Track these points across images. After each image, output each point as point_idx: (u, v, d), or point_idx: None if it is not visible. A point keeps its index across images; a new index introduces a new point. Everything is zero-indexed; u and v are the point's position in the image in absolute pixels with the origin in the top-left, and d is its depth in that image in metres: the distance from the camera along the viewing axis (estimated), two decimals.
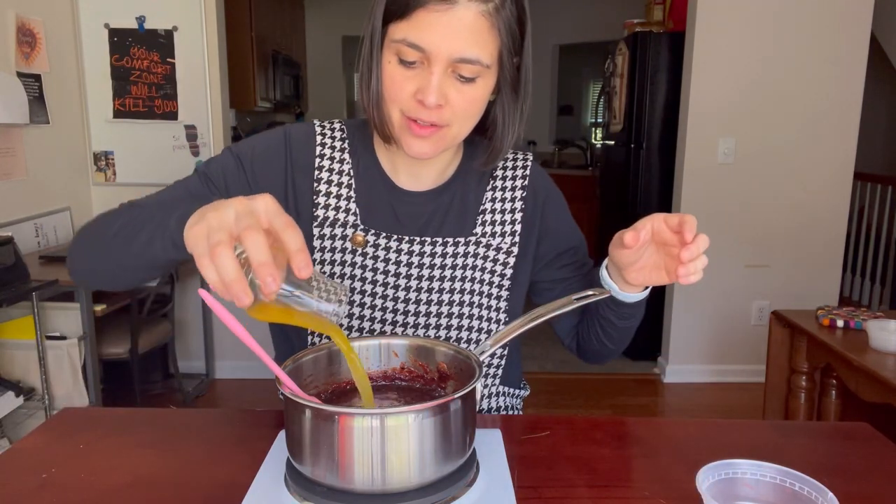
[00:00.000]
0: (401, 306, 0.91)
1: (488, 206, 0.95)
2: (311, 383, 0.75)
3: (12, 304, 2.14)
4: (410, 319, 0.91)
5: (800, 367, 2.11)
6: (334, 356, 0.78)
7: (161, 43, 3.06)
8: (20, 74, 2.61)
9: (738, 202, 3.27)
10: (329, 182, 0.91)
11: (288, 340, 0.95)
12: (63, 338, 2.29)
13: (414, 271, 0.91)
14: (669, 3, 3.56)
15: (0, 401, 2.09)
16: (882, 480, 0.74)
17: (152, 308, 2.71)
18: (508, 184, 0.97)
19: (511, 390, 1.03)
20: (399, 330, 0.91)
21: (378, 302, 0.90)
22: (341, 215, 0.90)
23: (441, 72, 0.77)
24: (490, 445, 0.77)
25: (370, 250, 0.90)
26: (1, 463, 0.74)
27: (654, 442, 0.83)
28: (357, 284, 0.90)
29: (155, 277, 0.84)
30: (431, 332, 0.92)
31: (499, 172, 0.98)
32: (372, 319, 0.91)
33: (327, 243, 0.89)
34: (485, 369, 0.96)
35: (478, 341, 0.94)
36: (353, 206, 0.90)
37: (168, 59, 3.08)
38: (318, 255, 0.90)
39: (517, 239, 0.96)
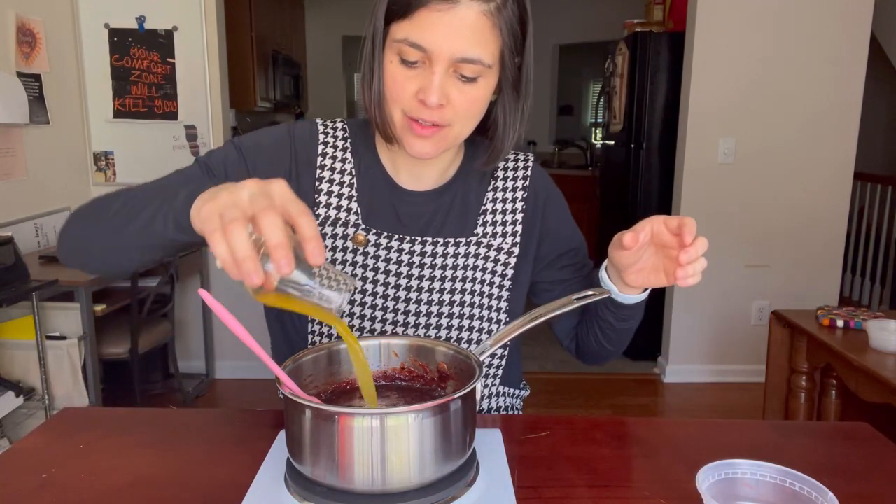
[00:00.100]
0: (401, 306, 0.91)
1: (489, 206, 0.96)
2: (311, 383, 0.75)
3: (12, 304, 2.14)
4: (411, 319, 0.91)
5: (800, 367, 2.11)
6: (334, 356, 0.78)
7: (161, 43, 3.06)
8: (20, 74, 2.61)
9: (738, 202, 3.27)
10: (331, 181, 0.91)
11: (288, 341, 0.95)
12: (63, 338, 2.29)
13: (415, 271, 0.91)
14: (669, 3, 3.56)
15: (0, 401, 2.09)
16: (882, 480, 0.74)
17: (152, 308, 2.71)
18: (509, 184, 0.97)
19: (511, 390, 1.03)
20: (399, 330, 0.91)
21: (379, 302, 0.90)
22: (342, 214, 0.90)
23: (443, 71, 0.77)
24: (490, 445, 0.77)
25: (371, 250, 0.90)
26: (1, 463, 0.74)
27: (654, 442, 0.83)
28: (357, 284, 0.90)
29: (150, 261, 0.81)
30: (432, 332, 0.92)
31: (500, 173, 0.98)
32: (372, 319, 0.91)
33: (328, 242, 0.89)
34: (485, 369, 0.96)
35: (478, 341, 0.94)
36: (354, 205, 0.90)
37: (168, 59, 3.08)
38: None
39: (518, 239, 0.96)
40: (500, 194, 0.96)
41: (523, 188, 0.97)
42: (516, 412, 1.05)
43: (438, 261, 0.92)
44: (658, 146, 3.50)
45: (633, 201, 3.60)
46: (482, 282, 0.93)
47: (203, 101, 3.11)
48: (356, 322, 0.90)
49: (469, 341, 0.93)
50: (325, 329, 0.90)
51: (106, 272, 0.87)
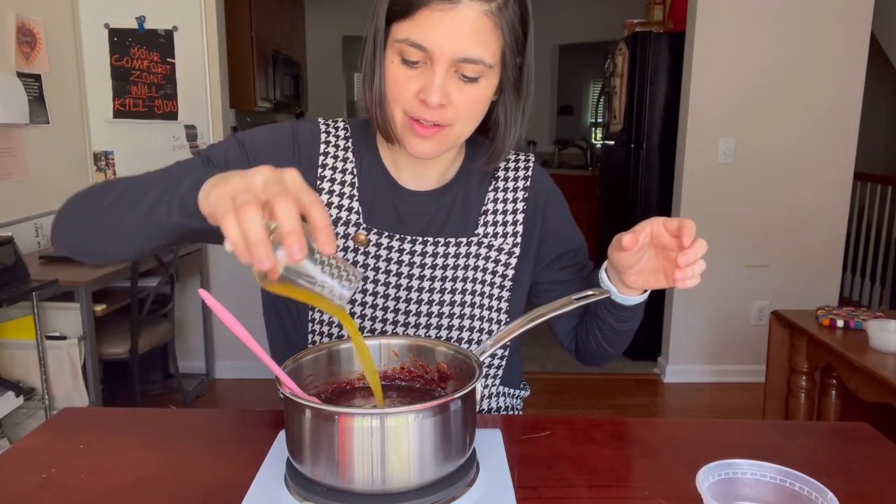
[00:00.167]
0: (402, 306, 0.91)
1: (490, 206, 0.96)
2: (311, 383, 0.75)
3: (12, 304, 2.14)
4: (412, 319, 0.91)
5: (800, 367, 2.11)
6: (334, 356, 0.78)
7: (161, 43, 3.06)
8: (20, 74, 2.61)
9: (738, 202, 3.27)
10: (332, 180, 0.91)
11: (288, 341, 0.95)
12: (63, 338, 2.29)
13: (416, 271, 0.91)
14: (669, 3, 3.56)
15: (0, 401, 2.09)
16: (882, 480, 0.74)
17: (152, 308, 2.71)
18: (510, 184, 0.97)
19: (511, 391, 1.03)
20: (400, 330, 0.91)
21: (379, 301, 0.90)
22: (343, 214, 0.90)
23: (444, 71, 0.77)
24: (490, 445, 0.77)
25: (372, 249, 0.90)
26: (1, 463, 0.74)
27: (654, 442, 0.83)
28: (363, 277, 0.90)
29: (149, 249, 0.78)
30: (432, 333, 0.92)
31: (500, 173, 0.98)
32: (373, 319, 0.91)
33: None
34: (485, 370, 0.96)
35: (479, 341, 0.94)
36: (355, 204, 0.90)
37: (168, 59, 3.08)
38: None
39: (519, 240, 0.96)
40: (500, 195, 0.96)
41: (524, 188, 0.97)
42: (516, 412, 1.05)
43: (439, 261, 0.92)
44: (658, 146, 3.50)
45: (633, 201, 3.60)
46: (483, 282, 0.93)
47: (203, 101, 3.11)
48: (357, 322, 0.90)
49: (470, 341, 0.93)
50: (325, 329, 0.90)
51: (102, 260, 0.84)
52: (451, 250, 0.92)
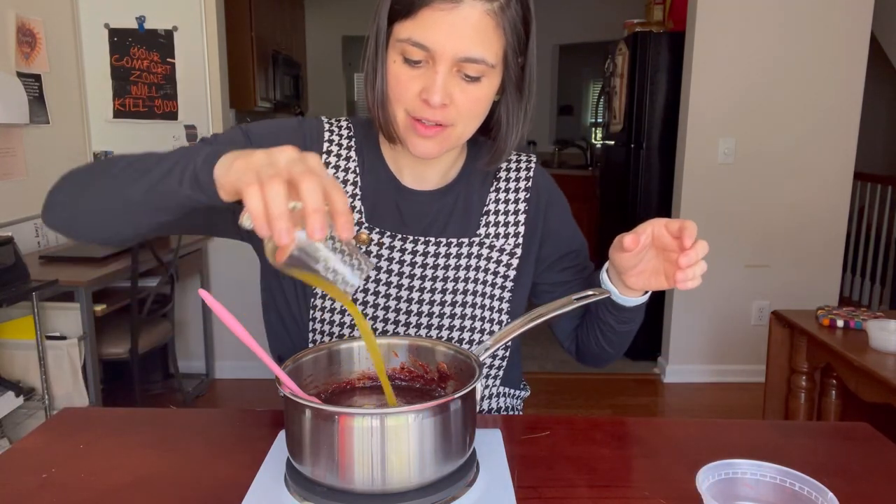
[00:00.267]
0: (403, 306, 0.91)
1: (492, 207, 0.96)
2: (311, 383, 0.75)
3: (12, 304, 2.14)
4: (413, 319, 0.91)
5: (800, 367, 2.11)
6: (334, 356, 0.78)
7: (161, 43, 3.06)
8: (20, 74, 2.61)
9: (738, 202, 3.27)
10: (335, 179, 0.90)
11: (288, 341, 0.95)
12: (63, 338, 2.29)
13: (417, 271, 0.91)
14: (669, 3, 3.56)
15: (0, 401, 2.09)
16: (882, 480, 0.74)
17: (152, 308, 2.71)
18: (512, 185, 0.97)
19: (511, 391, 1.03)
20: (401, 329, 0.91)
21: (380, 301, 0.90)
22: None
23: (446, 71, 0.77)
24: (490, 445, 0.77)
25: (374, 249, 0.90)
26: (1, 463, 0.74)
27: (654, 442, 0.83)
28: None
29: (149, 226, 0.76)
30: (433, 333, 0.92)
31: (502, 174, 0.98)
32: (374, 318, 0.91)
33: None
34: (486, 370, 0.96)
35: (479, 342, 0.94)
36: (358, 204, 0.90)
37: (168, 59, 3.08)
38: None
39: (520, 240, 0.96)
40: (502, 195, 0.96)
41: (526, 189, 0.97)
42: (516, 412, 1.05)
43: (441, 261, 0.92)
44: (658, 146, 3.50)
45: (633, 201, 3.60)
46: (484, 282, 0.93)
47: (203, 101, 3.11)
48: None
49: (471, 342, 0.93)
50: (326, 328, 0.90)
51: (95, 237, 0.80)
52: (453, 250, 0.92)
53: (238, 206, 0.64)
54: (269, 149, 0.60)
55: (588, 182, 5.15)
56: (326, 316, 0.90)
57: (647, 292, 0.87)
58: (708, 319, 3.38)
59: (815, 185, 3.26)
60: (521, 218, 0.96)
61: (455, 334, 0.93)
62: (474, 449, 0.71)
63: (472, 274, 0.93)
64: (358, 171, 0.92)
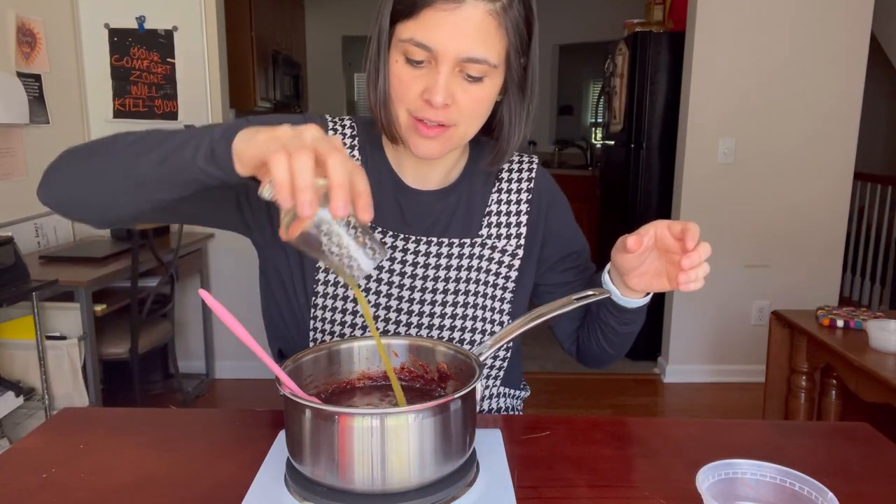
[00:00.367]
0: (404, 306, 0.91)
1: (494, 207, 0.96)
2: (311, 383, 0.75)
3: (12, 304, 2.14)
4: (414, 319, 0.91)
5: (800, 367, 2.11)
6: (334, 356, 0.78)
7: (161, 43, 3.06)
8: (20, 74, 2.61)
9: (738, 202, 3.27)
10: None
11: (289, 336, 0.94)
12: (63, 338, 2.29)
13: (419, 271, 0.91)
14: (669, 3, 3.56)
15: (0, 401, 2.09)
16: (882, 480, 0.74)
17: (152, 308, 2.71)
18: (514, 186, 0.97)
19: (511, 391, 1.03)
20: (402, 329, 0.91)
21: (382, 300, 0.90)
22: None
23: (448, 71, 0.77)
24: (490, 445, 0.77)
25: None
26: (1, 463, 0.74)
27: (654, 442, 0.83)
28: (361, 283, 0.90)
29: (157, 202, 0.73)
30: (434, 333, 0.92)
31: (504, 175, 0.98)
32: (375, 318, 0.90)
33: None
34: (487, 371, 0.96)
35: (480, 342, 0.94)
36: None
37: (168, 59, 3.08)
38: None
39: (522, 241, 0.96)
40: (504, 196, 0.96)
41: (528, 190, 0.97)
42: (516, 413, 1.05)
43: (443, 261, 0.92)
44: (658, 146, 3.50)
45: (633, 201, 3.60)
46: (485, 283, 0.93)
47: (203, 101, 3.11)
48: (359, 321, 0.90)
49: (472, 342, 0.93)
50: (327, 326, 0.90)
51: (93, 216, 0.78)
52: (455, 251, 0.92)
53: (253, 182, 0.64)
54: (291, 126, 0.60)
55: (588, 182, 5.15)
56: (328, 314, 0.89)
57: (648, 294, 0.87)
58: (708, 319, 3.38)
59: (815, 185, 3.26)
60: (523, 219, 0.96)
61: (456, 335, 0.93)
62: (474, 449, 0.71)
63: (473, 275, 0.93)
64: None
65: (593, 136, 6.40)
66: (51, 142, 2.81)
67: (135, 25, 3.05)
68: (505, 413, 1.02)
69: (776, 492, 0.63)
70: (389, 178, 0.92)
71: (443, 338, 0.92)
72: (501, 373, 0.99)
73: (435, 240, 0.92)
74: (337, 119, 0.95)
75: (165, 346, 3.06)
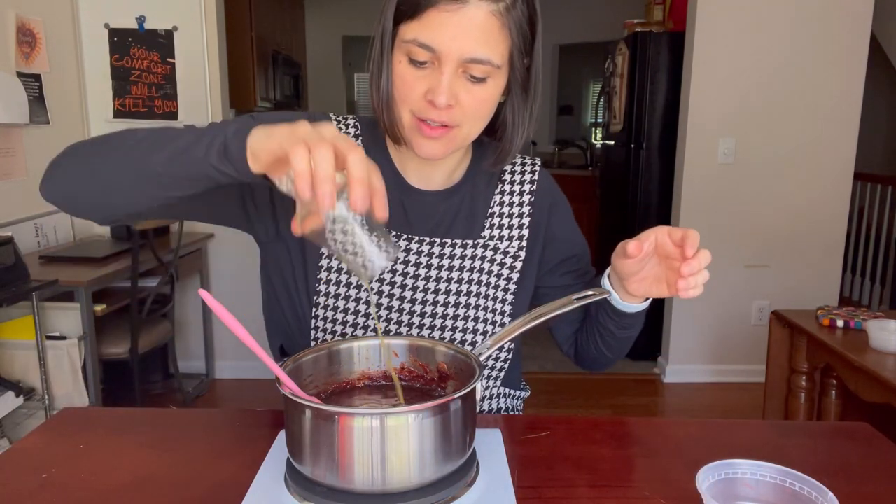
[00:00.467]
0: (406, 306, 0.91)
1: (497, 209, 0.96)
2: (311, 383, 0.75)
3: (12, 304, 2.14)
4: (416, 320, 0.91)
5: (800, 367, 2.11)
6: (334, 356, 0.78)
7: (161, 43, 3.06)
8: (20, 74, 2.61)
9: (738, 202, 3.27)
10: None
11: (291, 335, 0.94)
12: (63, 338, 2.29)
13: (422, 272, 0.91)
14: (669, 3, 3.56)
15: (0, 401, 2.09)
16: (882, 480, 0.74)
17: (152, 308, 2.71)
18: (517, 188, 0.97)
19: (511, 391, 1.03)
20: (404, 329, 0.91)
21: (384, 300, 0.90)
22: None
23: (451, 72, 0.77)
24: (490, 445, 0.77)
25: None
26: (1, 463, 0.74)
27: (654, 442, 0.83)
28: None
29: (164, 199, 0.73)
30: (436, 333, 0.92)
31: (507, 176, 0.98)
32: (377, 318, 0.90)
33: None
34: (488, 371, 0.96)
35: (482, 344, 0.94)
36: None
37: (168, 59, 3.08)
38: (325, 251, 0.90)
39: (524, 243, 0.96)
40: (507, 198, 0.97)
41: (530, 192, 0.97)
42: (516, 413, 1.05)
43: (445, 262, 0.92)
44: (658, 146, 3.50)
45: (633, 201, 3.59)
46: (487, 284, 0.93)
47: (203, 101, 3.11)
48: (361, 320, 0.90)
49: (473, 343, 0.93)
50: (329, 325, 0.90)
51: (97, 212, 0.77)
52: (458, 251, 0.92)
53: (264, 181, 0.64)
54: (309, 123, 0.61)
55: (588, 182, 5.15)
56: (329, 314, 0.89)
57: (647, 299, 0.87)
58: (708, 319, 3.38)
59: (815, 185, 3.26)
60: (526, 221, 0.96)
61: (458, 335, 0.93)
62: (474, 449, 0.71)
63: (475, 276, 0.93)
64: None
65: (593, 136, 6.40)
66: (51, 142, 2.81)
67: (135, 25, 3.05)
68: (505, 413, 1.02)
69: (776, 492, 0.63)
70: (393, 178, 0.92)
71: (444, 338, 0.92)
72: (502, 373, 0.99)
73: (438, 240, 0.92)
74: (340, 118, 0.95)
75: (165, 346, 3.06)
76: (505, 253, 0.94)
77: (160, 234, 2.98)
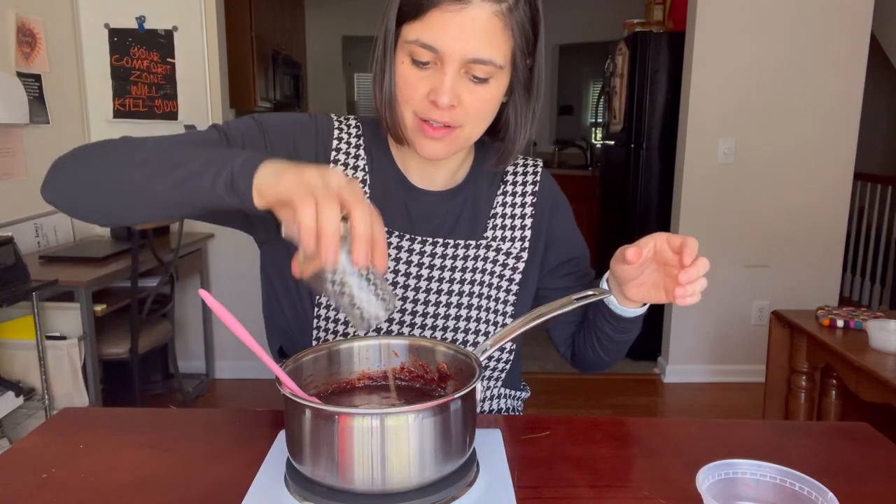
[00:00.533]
0: (409, 306, 0.91)
1: (499, 210, 0.96)
2: (311, 383, 0.75)
3: (12, 304, 2.14)
4: (418, 320, 0.91)
5: (800, 367, 2.11)
6: (334, 356, 0.78)
7: (161, 43, 3.06)
8: (20, 74, 2.61)
9: (738, 202, 3.27)
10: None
11: (291, 335, 0.94)
12: (63, 338, 2.28)
13: (424, 272, 0.91)
14: (669, 3, 3.56)
15: (0, 401, 2.09)
16: (882, 480, 0.74)
17: (152, 308, 2.71)
18: (519, 189, 0.97)
19: (512, 392, 1.03)
20: (406, 329, 0.91)
21: None
22: None
23: (454, 72, 0.77)
24: (490, 445, 0.77)
25: None
26: (1, 463, 0.74)
27: (654, 442, 0.83)
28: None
29: (166, 217, 0.75)
30: (438, 334, 0.92)
31: (509, 177, 0.98)
32: (375, 329, 0.90)
33: None
34: (489, 372, 0.96)
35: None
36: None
37: (168, 59, 3.08)
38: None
39: (527, 244, 0.96)
40: (509, 199, 0.97)
41: (532, 193, 0.97)
42: (516, 414, 1.05)
43: (448, 262, 0.92)
44: (658, 146, 3.50)
45: (633, 201, 3.59)
46: (490, 285, 0.93)
47: (203, 101, 3.11)
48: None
49: (474, 344, 0.93)
50: (331, 325, 0.90)
51: (101, 220, 0.79)
52: (461, 252, 0.92)
53: (268, 214, 0.66)
54: (320, 168, 0.61)
55: (588, 182, 5.15)
56: (331, 314, 0.89)
57: (645, 304, 0.87)
58: (708, 319, 3.38)
59: (815, 185, 3.26)
60: (528, 222, 0.96)
61: (459, 336, 0.93)
62: (474, 449, 0.71)
63: (478, 276, 0.93)
64: (367, 170, 0.91)
65: (593, 136, 6.40)
66: (51, 142, 2.81)
67: (135, 25, 3.05)
68: (505, 413, 1.02)
69: (776, 492, 0.63)
70: (396, 178, 0.92)
71: (446, 338, 0.92)
72: (503, 374, 0.99)
73: (441, 241, 0.92)
74: (343, 118, 0.95)
75: (165, 346, 3.06)
76: (507, 254, 0.94)
77: (160, 234, 2.98)
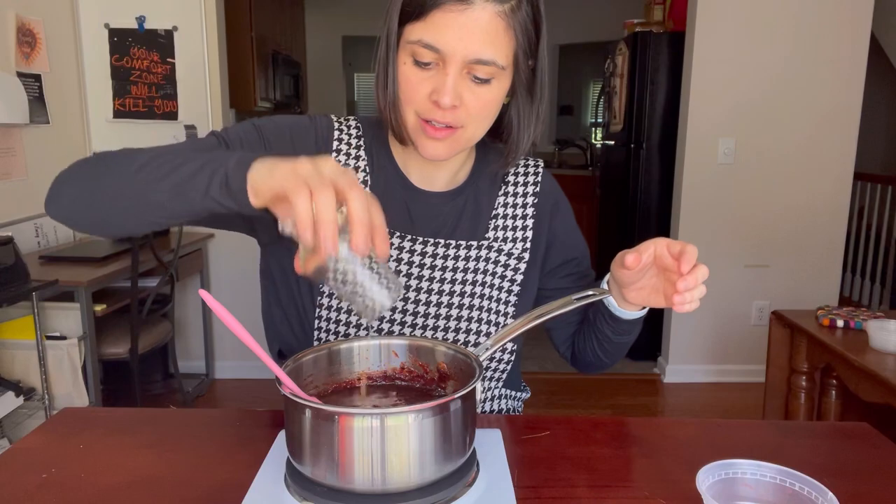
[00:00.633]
0: (410, 307, 0.91)
1: (500, 210, 0.96)
2: (311, 383, 0.75)
3: (12, 304, 2.14)
4: (419, 321, 0.91)
5: (800, 367, 2.11)
6: (335, 356, 0.78)
7: (161, 43, 3.06)
8: (20, 74, 2.61)
9: (738, 202, 3.27)
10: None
11: (292, 336, 0.94)
12: (63, 338, 2.28)
13: (425, 272, 0.91)
14: (669, 3, 3.56)
15: (0, 401, 2.09)
16: (882, 480, 0.74)
17: (152, 308, 2.71)
18: (520, 189, 0.97)
19: (512, 393, 1.03)
20: (407, 330, 0.91)
21: None
22: None
23: (456, 73, 0.77)
24: (490, 445, 0.77)
25: None
26: (1, 463, 0.74)
27: (654, 442, 0.83)
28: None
29: (163, 223, 0.75)
30: (440, 334, 0.92)
31: (510, 178, 0.98)
32: (379, 318, 0.90)
33: None
34: (489, 373, 0.96)
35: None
36: None
37: (168, 59, 3.08)
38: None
39: (528, 245, 0.96)
40: (510, 199, 0.97)
41: (534, 194, 0.97)
42: (516, 414, 1.05)
43: (449, 263, 0.92)
44: (658, 146, 3.50)
45: (633, 201, 3.59)
46: (491, 286, 0.93)
47: (203, 101, 3.11)
48: (363, 321, 0.90)
49: (476, 345, 0.93)
50: (332, 326, 0.90)
51: (103, 231, 0.79)
52: (462, 253, 0.92)
53: (266, 214, 0.65)
54: (312, 158, 0.61)
55: (588, 182, 5.15)
56: (333, 315, 0.89)
57: (645, 307, 0.87)
58: (708, 319, 3.38)
59: (815, 185, 3.26)
60: (529, 223, 0.96)
61: (461, 336, 0.93)
62: (474, 449, 0.71)
63: (479, 277, 0.93)
64: (368, 170, 0.91)
65: (593, 136, 6.40)
66: (51, 142, 2.81)
67: (135, 25, 3.05)
68: (505, 414, 1.02)
69: (776, 492, 0.63)
70: (397, 178, 0.92)
71: (447, 339, 0.92)
72: (504, 375, 0.99)
73: (442, 241, 0.92)
74: (343, 119, 0.95)
75: (165, 346, 3.06)
76: (509, 255, 0.94)
77: (160, 234, 2.98)
